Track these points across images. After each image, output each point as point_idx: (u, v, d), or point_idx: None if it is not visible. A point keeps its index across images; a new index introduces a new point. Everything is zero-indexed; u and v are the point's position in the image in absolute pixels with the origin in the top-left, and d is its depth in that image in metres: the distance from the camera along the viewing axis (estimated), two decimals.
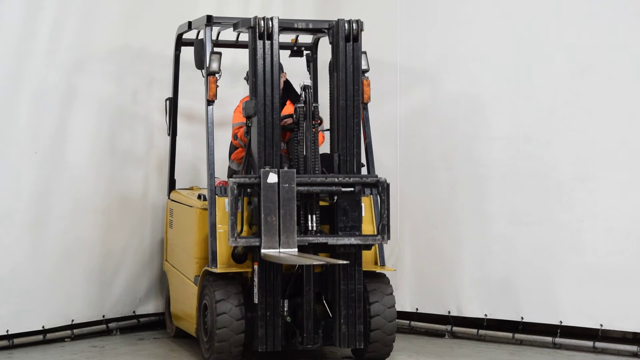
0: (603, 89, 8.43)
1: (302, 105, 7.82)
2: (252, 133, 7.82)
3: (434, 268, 9.24)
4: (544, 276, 8.67)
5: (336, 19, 7.94)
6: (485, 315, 8.98)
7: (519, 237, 8.79)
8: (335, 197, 7.76)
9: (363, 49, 7.98)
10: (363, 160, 8.05)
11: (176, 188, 9.20)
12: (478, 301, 9.01)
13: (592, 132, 8.48)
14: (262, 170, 7.54)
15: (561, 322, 8.62)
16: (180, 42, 9.04)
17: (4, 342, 8.37)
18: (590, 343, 8.52)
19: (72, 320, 8.81)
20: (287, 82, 8.62)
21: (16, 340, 8.44)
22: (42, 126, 8.48)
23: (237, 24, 8.00)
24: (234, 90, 9.24)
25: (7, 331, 8.35)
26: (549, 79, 8.66)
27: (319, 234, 7.76)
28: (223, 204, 7.88)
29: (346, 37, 7.91)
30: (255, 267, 7.68)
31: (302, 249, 7.60)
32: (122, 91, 9.09)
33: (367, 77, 8.12)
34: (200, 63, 8.06)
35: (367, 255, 8.01)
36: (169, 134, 9.18)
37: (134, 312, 9.32)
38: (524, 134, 8.77)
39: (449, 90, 9.14)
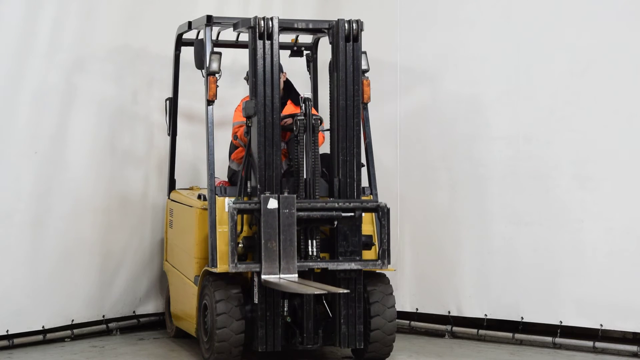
0: (603, 89, 8.43)
1: (302, 117, 7.83)
2: (252, 133, 7.83)
3: (434, 268, 9.24)
4: (544, 276, 8.67)
5: (336, 19, 7.94)
6: (485, 315, 8.98)
7: (519, 237, 8.79)
8: (336, 222, 7.78)
9: (363, 49, 7.98)
10: (363, 160, 8.06)
11: (176, 188, 9.20)
12: (478, 301, 9.01)
13: (592, 132, 8.48)
14: (262, 195, 7.54)
15: (561, 322, 8.62)
16: (180, 42, 9.04)
17: (4, 342, 8.37)
18: (590, 343, 8.52)
19: (72, 320, 8.81)
20: (287, 82, 8.62)
21: (16, 340, 8.44)
22: (42, 126, 8.48)
23: (237, 24, 8.00)
24: (234, 90, 9.24)
25: (7, 331, 8.35)
26: (549, 79, 8.66)
27: (319, 259, 7.77)
28: (223, 204, 7.88)
29: (346, 37, 7.91)
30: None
31: (302, 274, 7.62)
32: (122, 91, 9.09)
33: (367, 77, 8.12)
34: (200, 63, 8.05)
35: (367, 256, 8.00)
36: (169, 134, 9.18)
37: (134, 312, 9.32)
38: (524, 134, 8.77)
39: (449, 90, 9.14)
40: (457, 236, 9.09)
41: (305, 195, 7.81)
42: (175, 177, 9.24)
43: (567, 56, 8.58)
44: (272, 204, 7.51)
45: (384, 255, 7.74)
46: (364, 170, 8.07)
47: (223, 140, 8.81)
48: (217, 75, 7.96)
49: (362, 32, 7.93)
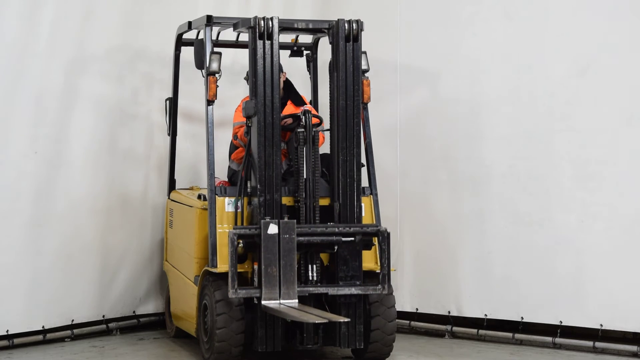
0: (603, 89, 8.43)
1: (303, 130, 7.83)
2: (252, 133, 7.83)
3: (434, 268, 9.24)
4: (544, 276, 8.67)
5: (336, 19, 7.93)
6: (485, 315, 8.98)
7: (519, 237, 8.79)
8: (336, 247, 7.78)
9: (363, 49, 7.98)
10: (363, 160, 8.06)
11: (176, 188, 9.20)
12: (478, 301, 9.00)
13: (592, 132, 8.47)
14: (262, 221, 7.54)
15: (561, 322, 8.62)
16: (180, 42, 9.04)
17: (4, 342, 8.37)
18: (590, 343, 8.52)
19: (72, 320, 8.81)
20: (287, 82, 8.62)
21: (16, 340, 8.44)
22: (42, 126, 8.48)
23: (237, 24, 8.00)
24: (234, 90, 9.24)
25: (7, 331, 8.35)
26: (549, 79, 8.66)
27: (319, 284, 7.76)
28: (223, 204, 7.89)
29: (346, 37, 7.91)
30: (255, 267, 7.67)
31: (303, 299, 7.62)
32: (122, 91, 9.08)
33: (367, 77, 8.12)
34: (200, 63, 8.06)
35: (367, 255, 8.00)
36: (169, 134, 9.18)
37: (134, 312, 9.32)
38: (524, 134, 8.77)
39: (449, 90, 9.14)
40: (457, 236, 9.08)
41: (305, 196, 7.81)
42: (175, 177, 9.24)
43: (567, 56, 8.58)
44: (273, 229, 7.53)
45: (384, 279, 7.72)
46: (364, 170, 8.07)
47: (223, 140, 8.81)
48: (217, 75, 7.96)
49: (362, 32, 7.93)
